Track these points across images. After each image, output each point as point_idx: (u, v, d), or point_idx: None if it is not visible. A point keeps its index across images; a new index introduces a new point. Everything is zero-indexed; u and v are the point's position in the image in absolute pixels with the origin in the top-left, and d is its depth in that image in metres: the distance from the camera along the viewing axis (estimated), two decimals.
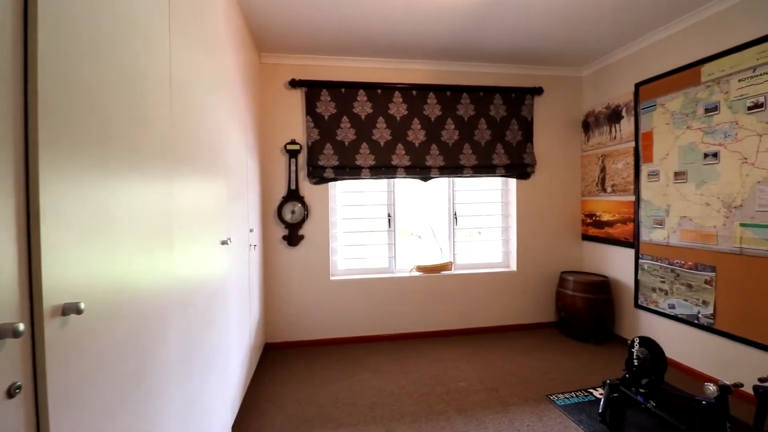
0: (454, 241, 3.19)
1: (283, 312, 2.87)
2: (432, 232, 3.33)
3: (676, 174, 2.40)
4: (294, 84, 2.79)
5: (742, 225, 2.04)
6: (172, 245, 1.07)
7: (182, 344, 1.14)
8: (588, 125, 3.18)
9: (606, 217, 3.00)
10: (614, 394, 1.94)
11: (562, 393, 2.15)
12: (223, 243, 1.59)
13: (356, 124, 2.87)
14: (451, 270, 3.14)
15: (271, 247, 2.85)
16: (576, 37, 2.56)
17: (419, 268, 3.09)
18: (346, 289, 2.95)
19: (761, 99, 1.94)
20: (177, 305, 1.11)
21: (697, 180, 2.27)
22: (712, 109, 2.17)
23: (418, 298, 3.03)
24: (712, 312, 2.20)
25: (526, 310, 3.21)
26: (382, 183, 3.07)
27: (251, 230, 2.30)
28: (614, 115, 2.90)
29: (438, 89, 2.97)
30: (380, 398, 2.12)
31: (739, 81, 2.03)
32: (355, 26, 2.37)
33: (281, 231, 2.86)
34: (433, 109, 2.97)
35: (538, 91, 3.12)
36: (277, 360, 2.63)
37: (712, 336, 2.23)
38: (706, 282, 2.23)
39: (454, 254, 3.19)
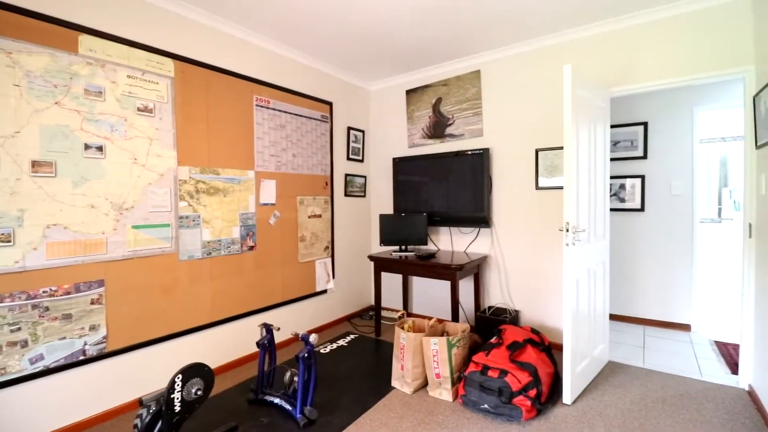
0: None
1: None
2: None
3: (37, 164, 1.63)
4: None
5: (134, 227, 1.96)
6: None
7: None
8: None
9: None
10: None
11: None
12: None
13: None
14: None
15: None
16: None
17: None
18: None
19: (151, 105, 1.99)
20: None
21: (76, 176, 1.74)
22: (96, 93, 1.80)
23: None
24: (104, 335, 1.84)
25: None
26: None
27: None
28: None
29: None
30: None
31: (129, 77, 1.91)
32: None
33: None
34: None
35: None
36: None
37: (106, 363, 1.86)
38: (93, 302, 1.81)
39: None
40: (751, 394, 2.04)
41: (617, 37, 2.48)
